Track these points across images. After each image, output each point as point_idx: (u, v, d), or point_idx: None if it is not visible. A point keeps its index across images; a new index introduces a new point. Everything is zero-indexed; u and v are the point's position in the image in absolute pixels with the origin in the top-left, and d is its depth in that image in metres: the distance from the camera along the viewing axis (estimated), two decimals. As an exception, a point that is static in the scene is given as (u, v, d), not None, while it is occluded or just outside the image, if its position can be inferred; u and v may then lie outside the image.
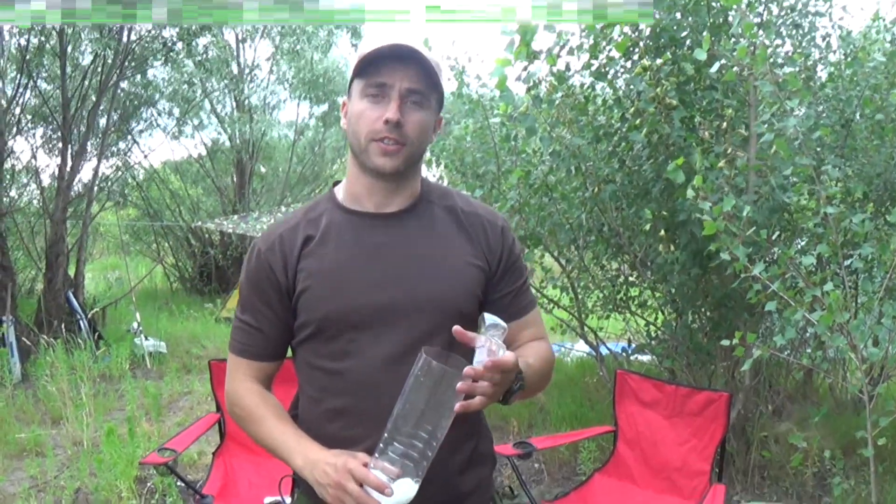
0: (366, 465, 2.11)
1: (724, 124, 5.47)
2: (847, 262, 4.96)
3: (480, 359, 2.08)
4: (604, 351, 7.66)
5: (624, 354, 7.69)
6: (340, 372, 2.36)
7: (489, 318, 2.17)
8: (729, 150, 5.25)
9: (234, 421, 2.57)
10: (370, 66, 2.27)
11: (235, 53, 19.54)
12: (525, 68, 5.68)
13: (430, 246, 2.41)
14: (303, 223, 2.43)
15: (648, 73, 5.50)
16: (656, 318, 7.35)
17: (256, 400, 2.46)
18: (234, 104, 19.56)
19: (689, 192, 4.68)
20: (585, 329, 7.49)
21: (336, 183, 2.56)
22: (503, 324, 2.17)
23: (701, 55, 5.10)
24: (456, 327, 2.12)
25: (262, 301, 2.42)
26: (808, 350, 6.95)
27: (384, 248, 2.38)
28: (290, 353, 2.55)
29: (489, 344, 2.10)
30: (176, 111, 18.56)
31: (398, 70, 2.26)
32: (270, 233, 2.45)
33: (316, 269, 2.36)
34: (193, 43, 13.08)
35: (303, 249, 2.39)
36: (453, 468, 2.44)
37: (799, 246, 5.81)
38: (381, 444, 2.09)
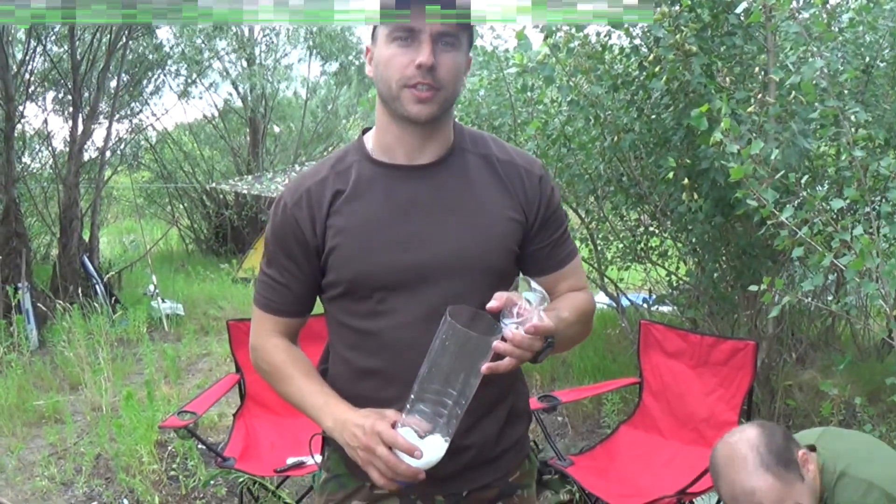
0: (395, 423, 2.07)
1: (756, 69, 5.38)
2: (868, 209, 4.88)
3: (508, 319, 2.04)
4: (624, 302, 7.61)
5: (645, 305, 7.64)
6: (372, 332, 2.30)
7: (534, 285, 2.10)
8: (759, 96, 5.15)
9: (260, 376, 2.52)
10: (395, 8, 2.14)
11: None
12: (542, 14, 5.60)
13: (464, 200, 2.31)
14: (331, 176, 2.33)
15: (667, 19, 5.41)
16: (678, 268, 7.30)
17: (283, 357, 2.40)
18: (246, 63, 19.46)
19: (717, 136, 4.58)
20: (605, 280, 7.43)
21: (365, 130, 2.44)
22: (544, 292, 2.10)
23: (725, -5, 5.03)
24: (490, 304, 2.05)
25: (288, 257, 2.34)
26: (831, 297, 6.90)
27: (417, 203, 2.29)
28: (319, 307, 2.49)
29: (520, 304, 2.05)
30: (185, 72, 18.49)
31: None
32: (297, 186, 2.35)
33: (346, 226, 2.27)
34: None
35: (332, 205, 2.29)
36: (490, 430, 2.38)
37: (821, 192, 5.73)
38: (409, 405, 2.04)
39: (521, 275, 2.20)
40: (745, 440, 2.86)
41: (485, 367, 2.01)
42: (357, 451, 2.11)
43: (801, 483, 2.80)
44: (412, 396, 2.04)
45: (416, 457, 2.02)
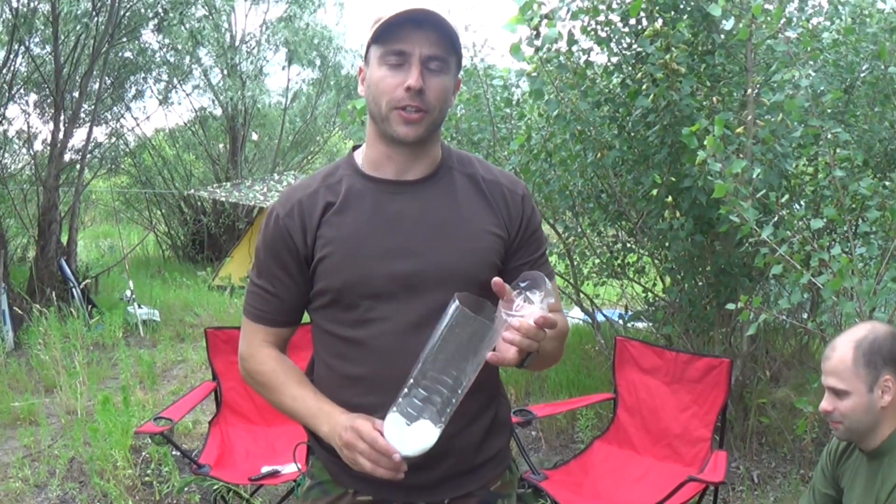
0: (378, 430, 2.09)
1: (748, 91, 5.41)
2: (845, 228, 4.92)
3: (505, 312, 2.05)
4: (600, 318, 7.63)
5: (620, 321, 7.66)
6: (358, 340, 2.33)
7: (547, 283, 2.12)
8: (749, 117, 5.19)
9: (251, 387, 2.55)
10: (388, 32, 2.20)
11: (227, 23, 19.46)
12: (535, 28, 5.62)
13: (450, 215, 2.36)
14: (322, 189, 2.39)
15: (660, 38, 5.42)
16: (654, 285, 7.32)
17: (274, 366, 2.43)
18: (226, 71, 19.42)
19: (701, 154, 4.62)
20: (581, 296, 7.45)
21: (356, 147, 2.50)
22: (550, 289, 2.11)
23: (716, 11, 5.05)
24: (495, 280, 2.07)
25: (279, 267, 2.38)
26: (806, 315, 6.93)
27: (404, 216, 2.34)
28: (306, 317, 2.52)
29: (518, 300, 2.07)
30: (166, 77, 18.47)
31: (417, 36, 2.20)
32: (289, 198, 2.40)
33: (335, 236, 2.32)
34: (186, 13, 13.16)
35: (322, 216, 2.34)
36: (473, 438, 2.42)
37: (798, 211, 5.77)
38: (406, 388, 2.06)
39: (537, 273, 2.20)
40: (874, 325, 3.01)
41: (490, 354, 2.03)
42: (343, 450, 2.15)
43: (863, 391, 2.92)
44: (410, 380, 2.04)
45: (395, 459, 2.04)
